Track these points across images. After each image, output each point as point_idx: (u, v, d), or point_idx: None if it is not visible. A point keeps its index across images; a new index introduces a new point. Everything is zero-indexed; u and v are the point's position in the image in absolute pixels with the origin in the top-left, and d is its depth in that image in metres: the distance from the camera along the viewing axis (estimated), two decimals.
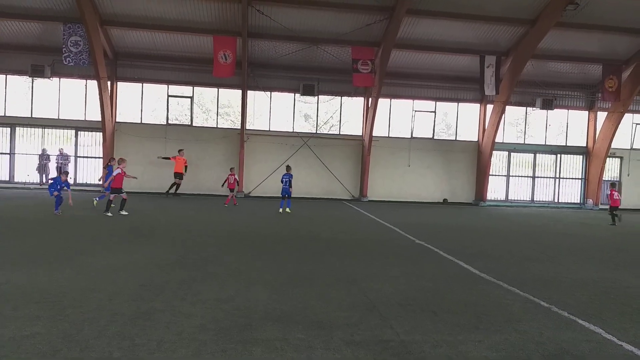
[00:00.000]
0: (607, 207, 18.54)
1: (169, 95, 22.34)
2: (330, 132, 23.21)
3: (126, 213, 13.79)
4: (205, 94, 23.13)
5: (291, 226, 13.13)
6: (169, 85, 22.18)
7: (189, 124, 22.61)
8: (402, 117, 23.58)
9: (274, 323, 5.10)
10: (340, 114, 23.14)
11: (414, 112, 23.40)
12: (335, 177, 22.81)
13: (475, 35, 20.63)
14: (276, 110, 22.93)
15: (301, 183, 21.47)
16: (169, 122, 22.49)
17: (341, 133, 23.18)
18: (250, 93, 22.12)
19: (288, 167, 16.77)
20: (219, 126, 22.71)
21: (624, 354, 4.67)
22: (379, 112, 22.11)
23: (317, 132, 23.00)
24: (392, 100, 23.11)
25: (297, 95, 22.37)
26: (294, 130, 22.82)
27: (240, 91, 21.47)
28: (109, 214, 13.50)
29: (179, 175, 19.97)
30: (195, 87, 22.39)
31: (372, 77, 20.67)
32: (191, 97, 22.47)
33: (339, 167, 22.84)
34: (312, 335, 4.77)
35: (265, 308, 5.59)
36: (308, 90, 21.75)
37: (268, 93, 22.50)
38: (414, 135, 23.49)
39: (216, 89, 22.47)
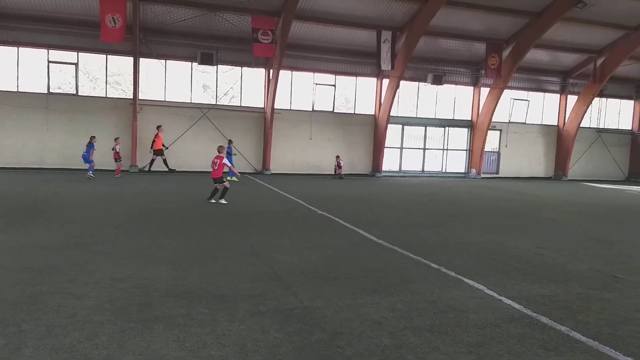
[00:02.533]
0: (489, 176, 20.20)
1: (49, 61, 20.24)
2: (230, 104, 22.64)
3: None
4: (92, 61, 21.26)
5: (191, 201, 12.76)
6: (50, 50, 20.06)
7: (74, 93, 20.75)
8: (304, 90, 23.68)
9: (175, 299, 4.97)
10: (241, 85, 22.64)
11: (315, 85, 23.59)
12: (237, 149, 22.43)
13: (373, 10, 21.11)
14: (172, 80, 21.81)
15: (201, 156, 20.81)
16: (51, 90, 20.45)
17: (242, 105, 22.73)
18: (143, 61, 20.75)
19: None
20: (108, 96, 21.11)
21: (502, 307, 5.23)
22: (280, 84, 21.98)
23: (217, 103, 22.33)
24: (294, 72, 23.06)
25: (195, 64, 21.44)
26: (192, 101, 21.94)
27: (131, 58, 20.07)
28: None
29: (159, 152, 19.84)
30: (80, 53, 20.49)
31: (273, 48, 20.40)
32: (76, 64, 20.56)
33: (240, 140, 22.45)
34: (216, 309, 4.74)
35: (166, 285, 5.43)
36: (206, 60, 20.93)
37: (163, 61, 21.30)
38: (315, 109, 23.74)
39: (105, 56, 20.76)
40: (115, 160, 18.40)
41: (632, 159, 29.33)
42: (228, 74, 22.34)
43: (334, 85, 23.90)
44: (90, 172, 17.44)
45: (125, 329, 4.19)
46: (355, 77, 24.11)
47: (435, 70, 24.46)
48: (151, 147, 19.92)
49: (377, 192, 17.36)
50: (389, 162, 25.23)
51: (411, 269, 6.62)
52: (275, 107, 22.07)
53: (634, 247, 8.79)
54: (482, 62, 24.15)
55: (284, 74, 22.39)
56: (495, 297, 5.51)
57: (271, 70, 21.91)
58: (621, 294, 5.84)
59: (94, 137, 17.89)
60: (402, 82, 23.34)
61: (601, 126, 28.57)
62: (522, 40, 22.87)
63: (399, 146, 25.59)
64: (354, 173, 24.11)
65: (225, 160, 12.50)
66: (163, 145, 20.03)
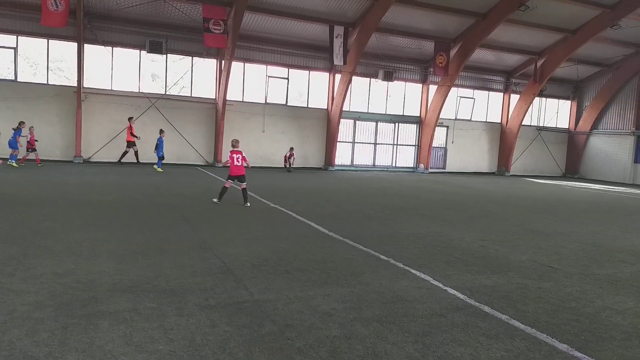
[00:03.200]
0: (437, 171, 20.73)
1: None
2: (181, 94, 22.09)
3: None
4: (33, 46, 20.11)
5: (139, 193, 12.39)
6: None
7: (13, 79, 19.58)
8: (256, 82, 23.44)
9: (122, 294, 4.84)
10: (191, 75, 22.12)
11: (268, 78, 23.41)
12: (187, 141, 21.95)
13: (325, 4, 21.13)
14: (119, 68, 21.01)
15: (149, 147, 20.22)
16: None
17: (193, 95, 22.22)
18: (88, 47, 19.87)
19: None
20: (50, 83, 20.08)
21: (448, 297, 5.43)
22: (232, 76, 21.65)
23: (167, 93, 21.73)
24: (246, 64, 22.77)
25: (144, 52, 20.76)
26: (141, 91, 21.24)
27: (75, 44, 19.16)
28: None
29: (131, 144, 19.52)
30: (20, 37, 19.34)
31: (225, 39, 20.05)
32: (15, 48, 19.40)
33: (191, 132, 21.99)
34: (164, 303, 4.65)
35: (111, 280, 5.27)
36: (155, 48, 20.30)
37: (109, 48, 20.46)
38: (268, 101, 23.57)
39: (46, 40, 19.68)
40: (29, 150, 17.40)
41: (568, 156, 31.03)
42: (178, 63, 21.78)
43: (287, 79, 23.80)
44: (12, 160, 16.71)
45: (68, 325, 4.04)
46: (308, 71, 24.12)
47: (386, 66, 24.85)
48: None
49: (329, 185, 17.49)
50: (342, 156, 25.47)
51: (361, 260, 6.74)
52: (228, 98, 21.74)
53: (568, 239, 9.33)
54: (431, 60, 24.75)
55: (237, 66, 22.09)
56: (441, 288, 5.71)
57: (223, 61, 21.55)
58: (557, 284, 6.20)
59: (23, 122, 17.19)
60: (354, 78, 23.57)
61: (541, 124, 30.03)
62: (469, 39, 23.61)
63: (352, 140, 25.86)
64: (307, 167, 24.18)
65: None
66: (135, 135, 19.50)
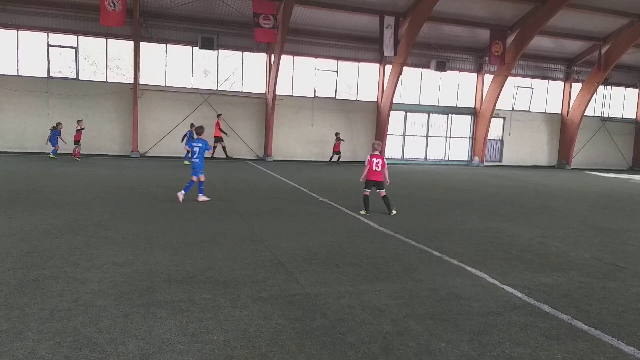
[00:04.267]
0: (492, 164, 20.07)
1: (49, 45, 20.10)
2: (231, 89, 22.53)
3: None
4: (92, 45, 21.12)
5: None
6: (50, 34, 19.92)
7: (75, 77, 20.63)
8: (305, 75, 23.53)
9: (178, 285, 4.97)
10: (242, 70, 22.49)
11: (317, 71, 23.42)
12: (238, 136, 22.37)
13: None
14: (173, 65, 21.68)
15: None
16: (51, 75, 20.33)
17: (243, 90, 22.61)
18: (143, 45, 20.62)
19: (199, 129, 10.66)
20: (108, 80, 21.00)
21: (504, 295, 5.22)
22: (282, 70, 21.83)
23: (218, 88, 22.21)
24: (295, 57, 22.89)
25: (196, 48, 21.29)
26: (193, 87, 21.83)
27: (132, 42, 19.93)
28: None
29: (219, 139, 20.47)
30: (80, 37, 20.35)
31: (275, 33, 20.22)
32: (76, 48, 20.42)
33: (242, 126, 22.39)
34: (218, 295, 4.74)
35: (167, 270, 5.42)
36: (207, 44, 20.78)
37: (163, 45, 21.14)
38: (317, 95, 23.60)
39: (105, 40, 20.61)
40: (76, 143, 18.36)
41: (636, 148, 29.22)
42: (229, 58, 22.20)
43: (336, 71, 23.73)
44: (53, 154, 18.16)
45: (129, 313, 4.19)
46: (357, 63, 23.94)
47: (439, 56, 24.26)
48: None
49: None
50: (392, 150, 25.15)
51: (413, 256, 6.61)
52: (277, 93, 21.95)
53: (635, 236, 8.77)
54: (486, 49, 23.94)
55: (286, 59, 22.24)
56: (498, 285, 5.50)
57: (273, 56, 21.75)
58: (623, 283, 5.83)
59: (60, 123, 18.30)
60: (405, 69, 23.18)
61: (605, 115, 28.41)
62: (527, 26, 22.62)
63: (402, 133, 25.48)
64: (356, 160, 24.06)
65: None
66: (223, 131, 20.60)
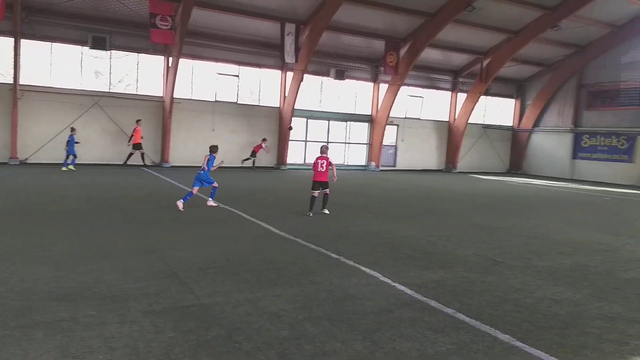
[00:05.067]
0: (387, 168, 21.01)
1: None
2: (126, 92, 21.33)
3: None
4: None
5: (81, 196, 11.87)
6: None
7: None
8: (206, 79, 22.98)
9: (59, 302, 4.59)
10: (137, 72, 21.40)
11: (218, 75, 23.01)
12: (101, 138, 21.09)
13: (276, 2, 21.00)
14: (59, 65, 20.02)
15: (92, 147, 19.45)
16: None
17: (139, 93, 21.52)
18: (25, 42, 18.81)
19: (213, 147, 11.70)
20: None
21: (396, 293, 5.50)
22: (180, 73, 21.11)
23: (111, 91, 20.92)
24: (195, 61, 22.27)
25: (86, 48, 19.87)
26: (83, 88, 20.34)
27: (12, 39, 18.10)
28: None
29: (138, 146, 20.01)
30: None
31: (172, 35, 19.51)
32: None
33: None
34: (105, 311, 4.45)
35: (47, 287, 4.99)
36: (99, 44, 19.49)
37: (48, 43, 19.46)
38: (217, 99, 23.16)
39: None
40: None
41: (512, 153, 32.30)
42: (123, 60, 21.02)
43: (238, 76, 23.48)
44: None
45: (0, 337, 3.80)
46: (259, 69, 23.88)
47: (338, 65, 24.98)
48: (129, 141, 19.94)
49: (281, 185, 17.42)
50: (294, 155, 25.39)
51: (312, 260, 6.73)
52: (175, 96, 21.18)
53: (511, 233, 9.69)
54: (381, 59, 25.09)
55: (185, 62, 21.57)
56: (390, 284, 5.78)
57: (171, 58, 20.96)
58: (500, 277, 6.41)
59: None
60: (306, 76, 23.54)
61: (486, 122, 31.10)
62: (418, 39, 24.09)
63: (304, 139, 25.84)
64: (259, 166, 23.95)
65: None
66: (142, 137, 20.00)
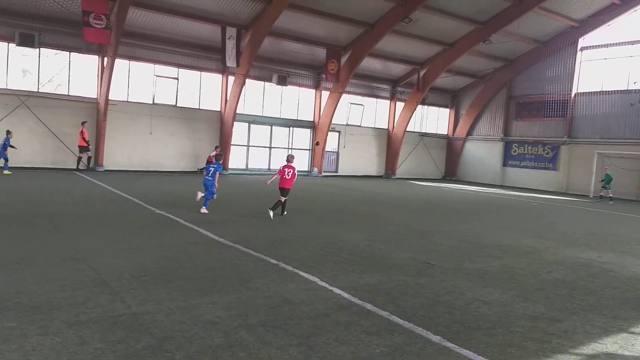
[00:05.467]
0: (329, 174, 21.26)
1: None
2: (56, 92, 20.25)
3: None
4: None
5: (2, 202, 11.12)
6: None
7: None
8: (143, 81, 22.26)
9: None
10: (69, 71, 20.38)
11: (156, 77, 22.35)
12: (64, 144, 20.14)
13: (217, 5, 20.74)
14: None
15: (18, 149, 18.25)
16: None
17: (71, 94, 20.48)
18: None
19: (218, 155, 12.19)
20: None
21: (333, 297, 5.55)
22: (116, 74, 20.32)
23: (40, 90, 19.78)
24: (132, 62, 21.53)
25: (12, 45, 18.70)
26: (8, 87, 19.09)
27: None
28: None
29: (83, 149, 19.50)
30: None
31: (107, 34, 18.75)
32: None
33: (68, 133, 20.21)
34: (26, 322, 4.19)
35: None
36: (26, 41, 18.39)
37: None
38: (156, 101, 22.49)
39: None
40: None
41: (447, 160, 33.61)
42: (53, 58, 19.96)
43: (177, 79, 22.93)
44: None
45: None
46: (199, 72, 23.45)
47: (280, 71, 25.01)
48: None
49: (222, 189, 17.09)
50: (236, 160, 25.08)
51: (251, 266, 6.66)
52: (110, 98, 20.36)
53: (445, 237, 10.05)
54: (323, 67, 25.38)
55: (121, 63, 20.81)
56: (327, 288, 5.83)
57: (106, 58, 20.14)
58: (433, 279, 6.63)
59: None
60: (248, 80, 23.38)
61: (423, 131, 32.17)
62: (358, 48, 24.59)
63: (246, 144, 25.60)
64: (201, 168, 23.45)
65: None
66: (86, 140, 19.29)
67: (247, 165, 25.73)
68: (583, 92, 26.77)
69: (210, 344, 4.04)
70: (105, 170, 20.61)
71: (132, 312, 4.62)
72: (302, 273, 6.39)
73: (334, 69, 24.65)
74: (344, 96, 26.73)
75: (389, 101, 30.23)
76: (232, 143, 24.13)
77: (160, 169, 22.37)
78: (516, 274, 7.26)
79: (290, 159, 11.71)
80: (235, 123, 23.86)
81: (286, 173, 11.35)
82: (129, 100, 21.73)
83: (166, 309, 4.74)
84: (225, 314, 4.75)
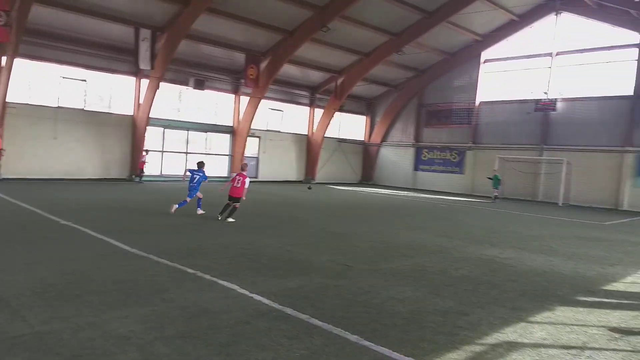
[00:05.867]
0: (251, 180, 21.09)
1: None
2: None
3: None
4: None
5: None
6: None
7: None
8: (47, 83, 20.73)
9: None
10: None
11: (61, 79, 20.92)
12: None
13: (130, 5, 19.88)
14: None
15: None
16: None
17: None
18: None
19: (200, 163, 12.75)
20: None
21: (253, 303, 5.52)
22: (16, 75, 18.73)
23: None
24: (35, 62, 19.97)
25: None
26: None
27: None
28: None
29: None
30: None
31: (7, 31, 17.24)
32: None
33: None
34: None
35: None
36: None
37: None
38: (61, 105, 21.03)
39: None
40: None
41: (364, 165, 34.68)
42: None
43: (85, 81, 21.62)
44: None
45: None
46: (111, 74, 22.28)
47: (198, 75, 24.46)
48: None
49: (134, 197, 16.38)
50: (150, 166, 24.09)
51: (166, 276, 6.44)
52: (9, 100, 18.74)
53: (362, 239, 10.37)
54: (242, 72, 25.17)
55: (22, 63, 19.26)
56: (247, 295, 5.79)
57: (4, 57, 18.50)
58: (351, 280, 6.82)
59: None
60: (163, 84, 22.61)
61: (341, 137, 32.94)
62: (278, 54, 24.69)
63: (160, 149, 24.69)
64: (109, 178, 22.26)
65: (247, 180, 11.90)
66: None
67: (161, 171, 24.80)
68: (486, 101, 28.84)
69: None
70: (3, 179, 18.91)
71: (35, 331, 4.30)
72: (220, 281, 6.30)
73: (254, 74, 24.53)
74: (264, 102, 26.67)
75: (308, 107, 30.62)
76: (145, 148, 23.16)
77: (66, 176, 20.92)
78: (427, 271, 7.66)
79: (244, 167, 12.31)
80: (149, 128, 22.95)
81: (236, 181, 11.72)
82: (30, 103, 20.14)
83: (74, 326, 4.47)
84: (140, 327, 4.57)
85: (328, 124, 29.87)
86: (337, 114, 30.52)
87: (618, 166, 23.60)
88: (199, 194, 12.40)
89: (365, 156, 34.62)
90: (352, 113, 33.25)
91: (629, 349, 4.85)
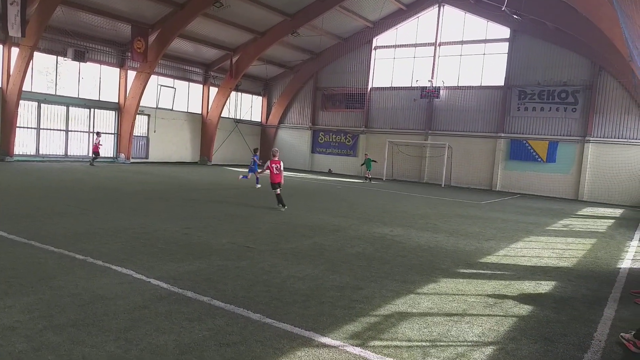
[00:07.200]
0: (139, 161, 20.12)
1: None
2: None
3: None
4: None
5: None
6: None
7: None
8: None
9: None
10: None
11: None
12: None
13: None
14: None
15: None
16: None
17: None
18: None
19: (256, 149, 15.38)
20: None
21: (151, 288, 5.36)
22: None
23: None
24: None
25: None
26: None
27: None
28: None
29: None
30: None
31: None
32: None
33: None
34: None
35: None
36: None
37: None
38: None
39: None
40: None
41: (261, 147, 34.44)
42: None
43: None
44: None
45: None
46: None
47: (77, 45, 22.48)
48: None
49: (5, 178, 14.77)
50: (23, 145, 21.82)
51: (52, 263, 5.99)
52: None
53: (262, 220, 10.45)
54: (129, 44, 23.62)
55: None
56: (144, 280, 5.60)
57: None
58: (252, 261, 6.88)
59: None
60: (36, 54, 20.45)
61: (238, 117, 32.46)
62: (167, 28, 23.50)
63: (36, 126, 22.43)
64: None
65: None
66: None
67: (37, 150, 22.60)
68: (377, 87, 30.16)
69: (11, 351, 3.58)
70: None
71: None
72: (114, 267, 6.01)
73: (141, 47, 23.12)
74: (154, 77, 25.33)
75: (202, 85, 29.66)
76: (17, 125, 20.91)
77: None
78: (325, 250, 7.97)
79: (275, 153, 12.66)
80: (21, 102, 20.71)
81: (275, 169, 12.28)
82: None
83: None
84: (26, 317, 4.24)
85: (224, 103, 29.24)
86: (233, 94, 29.99)
87: (492, 150, 26.17)
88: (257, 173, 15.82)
89: (263, 138, 34.51)
90: (248, 93, 32.87)
91: (502, 314, 5.52)
